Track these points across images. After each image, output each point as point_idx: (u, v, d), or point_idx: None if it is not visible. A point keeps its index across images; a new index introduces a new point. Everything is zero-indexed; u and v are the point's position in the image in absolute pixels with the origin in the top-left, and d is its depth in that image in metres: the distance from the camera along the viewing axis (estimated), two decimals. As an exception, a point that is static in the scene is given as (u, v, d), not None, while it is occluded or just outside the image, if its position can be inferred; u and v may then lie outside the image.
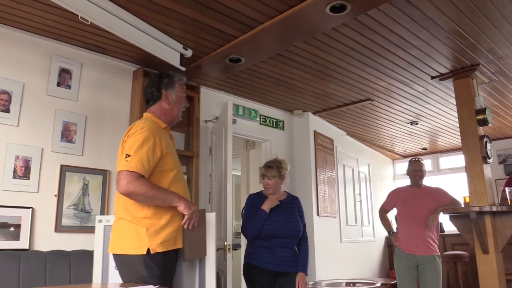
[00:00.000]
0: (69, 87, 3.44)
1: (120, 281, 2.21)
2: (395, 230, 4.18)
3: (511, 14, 3.13)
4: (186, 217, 2.12)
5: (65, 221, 3.24)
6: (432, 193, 4.05)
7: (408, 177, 4.22)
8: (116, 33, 3.00)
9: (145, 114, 2.38)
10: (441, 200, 3.96)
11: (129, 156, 2.04)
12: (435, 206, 3.89)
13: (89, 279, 2.73)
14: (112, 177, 3.56)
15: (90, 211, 3.38)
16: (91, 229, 3.32)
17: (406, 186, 4.28)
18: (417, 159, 4.28)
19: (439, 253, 3.94)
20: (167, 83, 2.37)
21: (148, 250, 2.04)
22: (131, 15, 3.01)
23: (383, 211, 4.33)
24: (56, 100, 3.37)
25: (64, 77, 3.42)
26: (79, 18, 2.79)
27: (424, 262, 3.84)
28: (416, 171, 4.14)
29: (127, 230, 2.11)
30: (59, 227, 3.21)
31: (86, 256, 3.08)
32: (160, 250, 2.07)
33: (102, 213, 3.42)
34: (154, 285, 2.00)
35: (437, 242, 3.96)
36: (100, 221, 2.62)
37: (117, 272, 2.26)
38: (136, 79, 3.79)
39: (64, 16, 2.98)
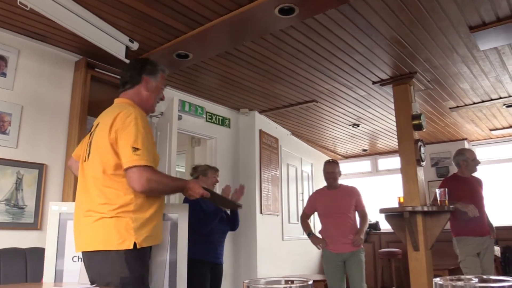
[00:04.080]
0: (4, 75, 3.24)
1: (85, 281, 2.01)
2: (313, 232, 4.20)
3: (446, 27, 3.34)
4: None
5: (-5, 217, 3.06)
6: (350, 193, 4.13)
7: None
8: (57, 20, 2.86)
9: (122, 100, 2.13)
10: (357, 201, 4.07)
11: (138, 149, 1.85)
12: (353, 205, 4.03)
13: (20, 280, 2.60)
14: (49, 171, 3.40)
15: (24, 206, 3.20)
16: (24, 226, 3.17)
17: (323, 188, 4.29)
18: (331, 160, 4.29)
19: (362, 246, 4.06)
20: (149, 70, 2.19)
21: (135, 244, 1.84)
22: (74, 3, 2.89)
23: (305, 217, 4.31)
24: (-11, 88, 3.17)
25: (-2, 64, 3.22)
26: (18, 2, 2.63)
27: (350, 258, 3.94)
28: (329, 173, 4.16)
29: (107, 224, 1.85)
30: (-12, 224, 3.02)
31: (17, 255, 2.92)
32: (145, 245, 1.90)
33: (37, 209, 3.25)
34: (136, 286, 1.84)
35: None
36: (54, 208, 2.28)
37: (74, 272, 2.12)
38: (78, 70, 3.65)
39: (0, -1, 2.81)
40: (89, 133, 2.12)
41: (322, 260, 4.16)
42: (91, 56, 3.62)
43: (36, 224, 3.23)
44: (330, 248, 4.02)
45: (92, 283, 1.88)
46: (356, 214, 4.11)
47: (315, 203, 4.24)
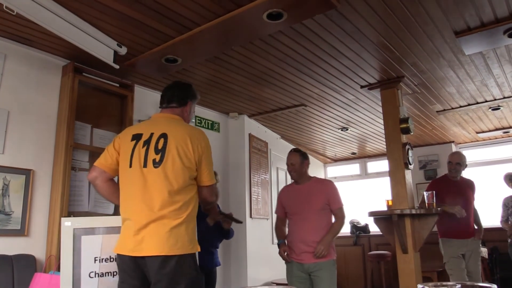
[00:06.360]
0: (-11, 80, 3.21)
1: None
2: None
3: (432, 32, 3.38)
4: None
5: (-19, 224, 3.02)
6: (319, 188, 3.40)
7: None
8: (44, 25, 2.84)
9: (177, 117, 2.32)
10: (330, 198, 3.34)
11: (212, 170, 2.24)
12: (323, 203, 3.31)
13: (7, 287, 2.56)
14: (37, 177, 3.37)
15: (11, 213, 3.17)
16: (11, 233, 3.14)
17: (291, 183, 3.62)
18: (292, 150, 3.59)
19: (335, 257, 3.33)
20: (193, 96, 2.44)
21: (198, 247, 2.12)
22: (61, 7, 2.87)
23: (279, 222, 3.58)
24: (-25, 94, 3.13)
25: (-16, 69, 3.19)
26: (4, 7, 2.62)
27: (314, 271, 3.24)
28: (288, 165, 3.49)
29: (181, 230, 2.02)
30: (-26, 230, 2.98)
31: (4, 262, 2.90)
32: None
33: (24, 215, 3.22)
34: (200, 283, 2.09)
35: (331, 244, 3.30)
36: (67, 224, 2.30)
37: (91, 280, 2.14)
38: (65, 75, 3.62)
39: (-14, 4, 2.78)
40: (141, 141, 2.15)
41: (286, 269, 3.46)
42: (78, 61, 3.61)
43: (23, 231, 3.19)
44: (292, 256, 3.35)
45: (153, 285, 1.97)
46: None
47: (282, 201, 3.54)
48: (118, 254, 2.07)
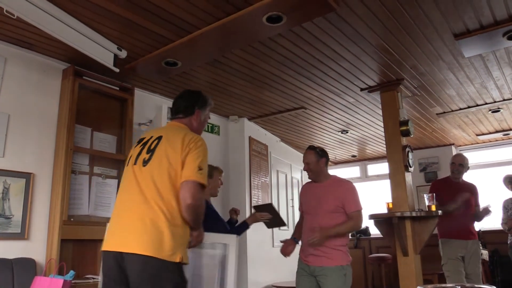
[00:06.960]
0: (-10, 83, 3.22)
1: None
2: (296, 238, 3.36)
3: (431, 35, 3.39)
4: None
5: (-19, 228, 3.01)
6: (335, 188, 3.16)
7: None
8: (44, 29, 2.85)
9: (180, 125, 2.29)
10: (345, 200, 3.07)
11: (202, 169, 2.05)
12: (336, 205, 3.07)
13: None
14: (37, 181, 3.37)
15: (11, 216, 3.16)
16: (11, 236, 3.13)
17: (312, 180, 3.38)
18: (308, 148, 3.42)
19: (346, 263, 3.03)
20: (202, 104, 2.37)
21: (181, 258, 1.95)
22: (61, 11, 2.88)
23: (300, 220, 3.45)
24: (-25, 97, 3.13)
25: (-16, 73, 3.19)
26: (4, 11, 2.62)
27: (320, 274, 3.01)
28: (304, 164, 3.31)
29: (165, 232, 1.92)
30: (-26, 234, 2.98)
31: (4, 266, 2.89)
32: (186, 262, 1.99)
33: (24, 219, 3.21)
34: None
35: (341, 249, 3.05)
36: None
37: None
38: (66, 78, 3.63)
39: (-14, 8, 2.79)
40: (141, 142, 2.20)
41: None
42: (79, 64, 3.61)
43: (23, 234, 3.19)
44: (301, 256, 3.23)
45: (133, 284, 1.91)
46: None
47: (301, 198, 3.45)
48: (103, 252, 2.01)
